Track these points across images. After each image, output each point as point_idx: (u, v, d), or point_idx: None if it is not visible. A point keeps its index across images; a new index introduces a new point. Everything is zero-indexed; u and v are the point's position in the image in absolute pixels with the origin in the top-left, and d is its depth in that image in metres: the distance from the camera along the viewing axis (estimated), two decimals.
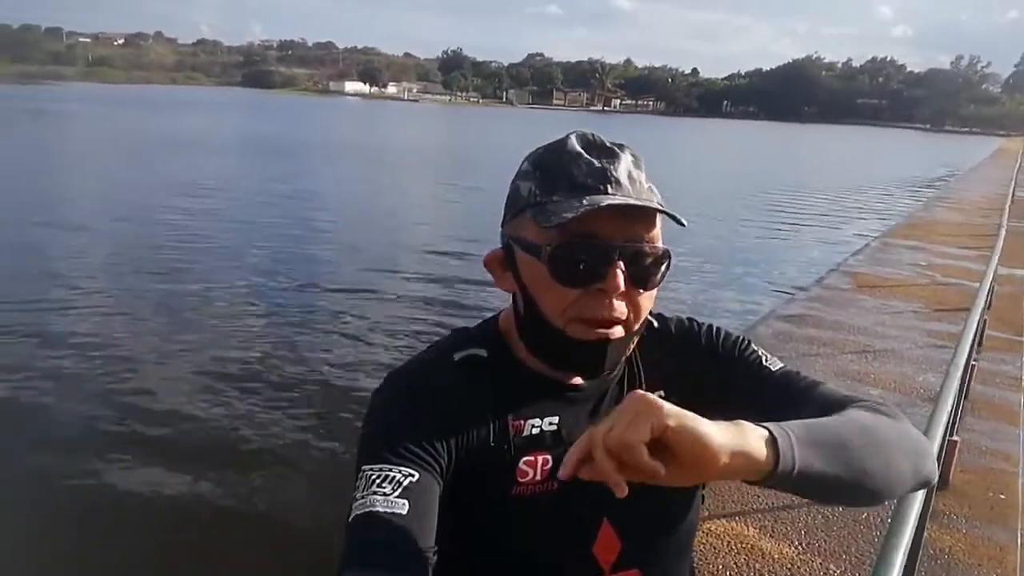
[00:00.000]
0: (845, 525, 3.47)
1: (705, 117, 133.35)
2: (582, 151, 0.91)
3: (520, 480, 0.94)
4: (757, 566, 3.14)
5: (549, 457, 0.94)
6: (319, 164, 24.57)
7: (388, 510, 0.82)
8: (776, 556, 3.22)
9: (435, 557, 0.84)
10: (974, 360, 4.87)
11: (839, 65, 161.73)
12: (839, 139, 71.36)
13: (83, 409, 5.50)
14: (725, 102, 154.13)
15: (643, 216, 0.89)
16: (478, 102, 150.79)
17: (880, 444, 0.85)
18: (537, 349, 0.96)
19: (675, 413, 0.71)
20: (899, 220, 16.23)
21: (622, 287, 0.87)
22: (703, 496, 1.10)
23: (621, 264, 0.87)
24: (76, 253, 10.27)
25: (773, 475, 0.74)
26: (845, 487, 0.81)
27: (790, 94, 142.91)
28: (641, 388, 0.98)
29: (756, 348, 1.07)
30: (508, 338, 1.00)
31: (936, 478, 0.96)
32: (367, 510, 0.82)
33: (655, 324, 1.06)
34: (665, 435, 0.69)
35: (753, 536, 3.37)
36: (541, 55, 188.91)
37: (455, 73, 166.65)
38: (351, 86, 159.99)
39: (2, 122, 35.57)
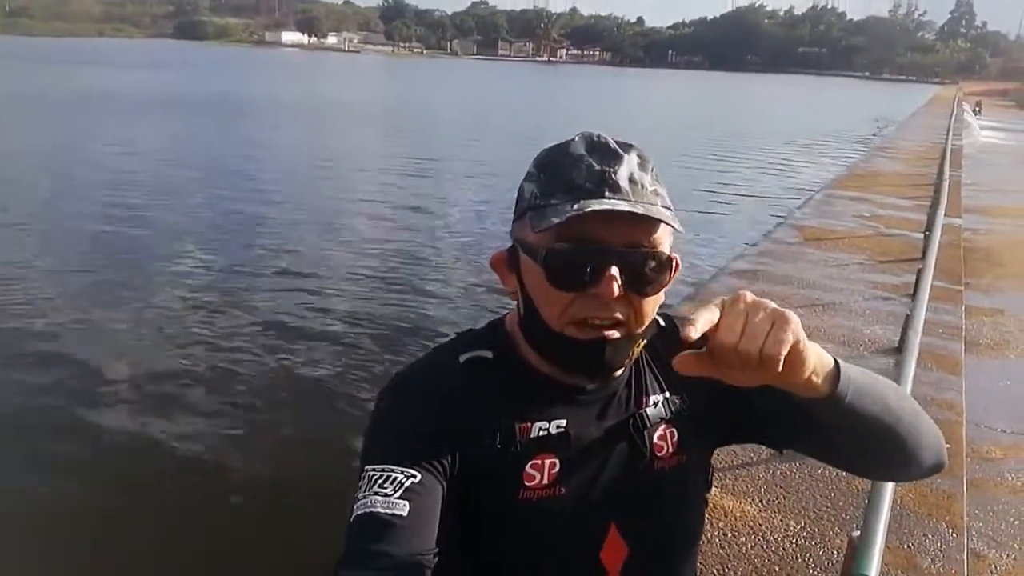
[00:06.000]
0: (803, 481, 3.57)
1: (651, 67, 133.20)
2: (584, 153, 0.89)
3: (527, 483, 0.92)
4: (720, 525, 3.22)
5: (557, 460, 0.94)
6: (258, 129, 23.82)
7: (388, 511, 0.82)
8: (738, 515, 3.30)
9: (435, 559, 0.84)
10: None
11: (781, 13, 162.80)
12: (782, 89, 72.20)
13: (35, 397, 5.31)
14: (671, 52, 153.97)
15: (642, 220, 0.87)
16: (422, 53, 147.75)
17: (911, 412, 0.90)
18: (538, 349, 0.95)
19: (801, 330, 0.75)
20: (842, 171, 16.56)
21: (617, 292, 0.85)
22: (707, 500, 1.09)
23: (616, 269, 0.85)
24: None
25: (830, 397, 0.81)
26: (878, 430, 0.86)
27: (734, 43, 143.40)
28: (649, 390, 1.01)
29: None
30: (514, 339, 0.99)
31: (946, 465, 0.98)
32: (367, 510, 0.83)
33: (662, 323, 1.03)
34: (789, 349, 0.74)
35: (714, 496, 3.43)
36: (485, 3, 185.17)
37: (397, 22, 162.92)
38: (289, 36, 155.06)
39: None
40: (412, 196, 13.06)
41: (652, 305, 0.92)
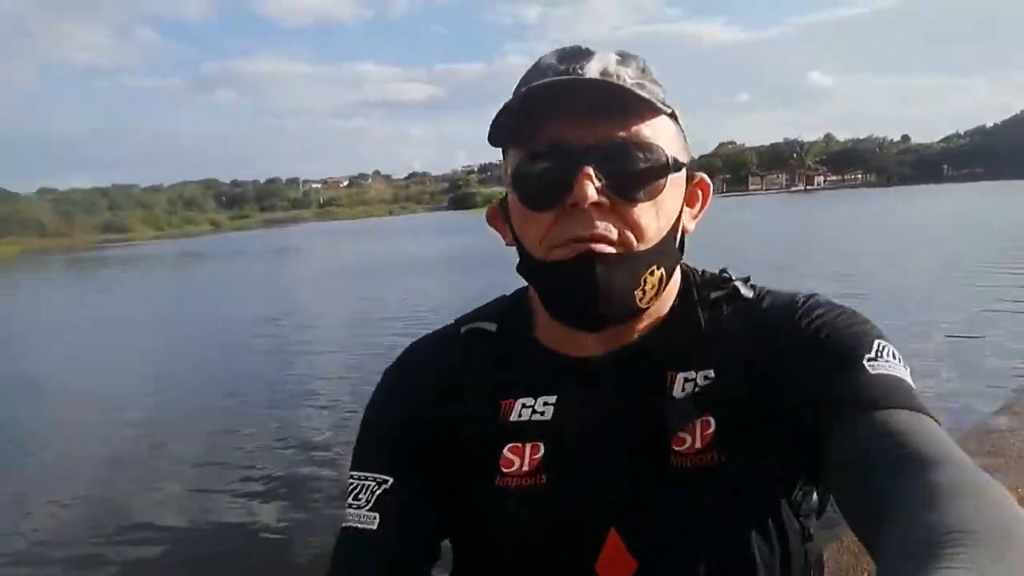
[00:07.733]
0: None
1: (922, 184, 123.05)
2: (554, 62, 0.77)
3: (504, 469, 0.80)
4: None
5: (540, 445, 0.80)
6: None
7: (360, 525, 0.80)
8: None
9: (423, 563, 0.82)
10: None
11: None
12: None
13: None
14: (945, 166, 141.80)
15: (618, 110, 0.72)
16: None
17: None
18: (538, 294, 0.82)
19: None
20: None
21: (594, 196, 0.71)
22: (804, 524, 0.80)
23: (590, 169, 0.71)
24: (317, 365, 11.34)
25: None
26: None
27: (1021, 149, 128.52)
28: (680, 365, 0.80)
29: (879, 346, 0.75)
30: (522, 309, 0.89)
31: None
32: (344, 525, 0.81)
33: (743, 292, 0.84)
34: None
35: None
36: (732, 143, 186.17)
37: None
38: None
39: (253, 258, 41.89)
40: None
41: (651, 215, 0.74)
